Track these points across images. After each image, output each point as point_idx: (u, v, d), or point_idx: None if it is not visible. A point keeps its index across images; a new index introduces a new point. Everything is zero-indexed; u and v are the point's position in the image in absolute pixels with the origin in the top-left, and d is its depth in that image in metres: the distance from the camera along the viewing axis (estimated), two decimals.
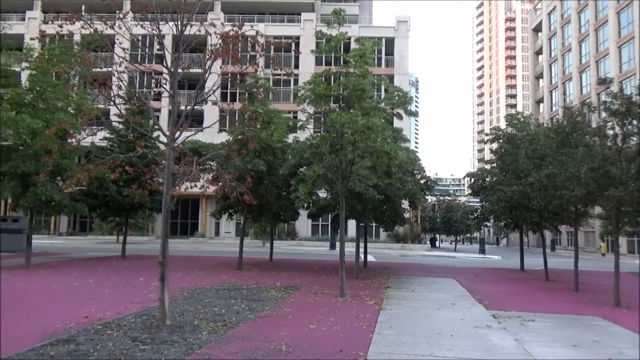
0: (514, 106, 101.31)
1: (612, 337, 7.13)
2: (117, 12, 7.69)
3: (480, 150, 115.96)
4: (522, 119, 17.46)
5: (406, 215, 16.65)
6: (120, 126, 18.26)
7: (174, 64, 7.24)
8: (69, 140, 12.07)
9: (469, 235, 63.88)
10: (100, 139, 17.67)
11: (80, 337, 5.87)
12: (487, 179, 18.55)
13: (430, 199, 44.97)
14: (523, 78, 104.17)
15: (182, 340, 5.81)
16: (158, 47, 25.38)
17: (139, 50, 30.57)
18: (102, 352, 5.24)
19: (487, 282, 14.36)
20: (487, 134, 19.32)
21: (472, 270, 18.32)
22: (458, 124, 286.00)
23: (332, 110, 10.65)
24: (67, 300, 8.80)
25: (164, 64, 7.30)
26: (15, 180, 13.59)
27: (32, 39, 11.39)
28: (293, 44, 39.06)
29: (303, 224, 34.66)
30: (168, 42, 8.40)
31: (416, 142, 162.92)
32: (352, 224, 22.12)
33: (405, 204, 16.77)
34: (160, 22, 7.27)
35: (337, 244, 27.21)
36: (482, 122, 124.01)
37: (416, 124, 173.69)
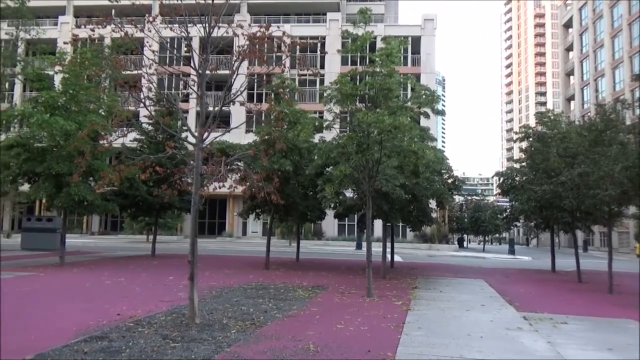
0: (543, 104, 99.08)
1: None
2: (147, 15, 7.83)
3: (509, 149, 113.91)
4: (552, 117, 17.06)
5: (434, 215, 16.47)
6: (150, 127, 18.63)
7: (202, 66, 7.33)
8: (101, 142, 12.38)
9: (497, 235, 62.83)
10: (130, 140, 18.05)
11: (113, 334, 6.00)
12: (516, 178, 18.18)
13: (458, 198, 44.36)
14: (553, 75, 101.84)
15: (211, 339, 5.87)
16: (186, 49, 25.77)
17: (167, 52, 31.12)
18: (134, 349, 5.34)
19: (517, 283, 14.09)
20: (516, 133, 18.97)
21: (502, 271, 18.00)
22: (486, 123, 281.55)
23: (359, 110, 10.61)
24: (99, 297, 9.01)
25: (192, 65, 7.40)
26: (50, 180, 13.98)
27: (65, 43, 11.72)
28: (319, 44, 39.07)
29: (329, 223, 34.68)
30: (195, 44, 8.52)
31: (443, 141, 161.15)
32: (378, 224, 22.03)
33: (432, 203, 16.59)
34: (189, 25, 7.37)
35: (364, 243, 27.11)
36: (510, 121, 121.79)
37: (443, 123, 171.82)
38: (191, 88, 8.35)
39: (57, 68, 15.93)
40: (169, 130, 9.54)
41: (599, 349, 6.22)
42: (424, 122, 14.93)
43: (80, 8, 44.34)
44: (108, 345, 5.46)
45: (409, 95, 14.21)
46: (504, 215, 23.81)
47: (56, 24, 42.84)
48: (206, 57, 7.35)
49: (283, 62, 7.94)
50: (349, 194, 14.42)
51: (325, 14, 42.94)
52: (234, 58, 7.50)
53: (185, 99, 32.72)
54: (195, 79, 7.57)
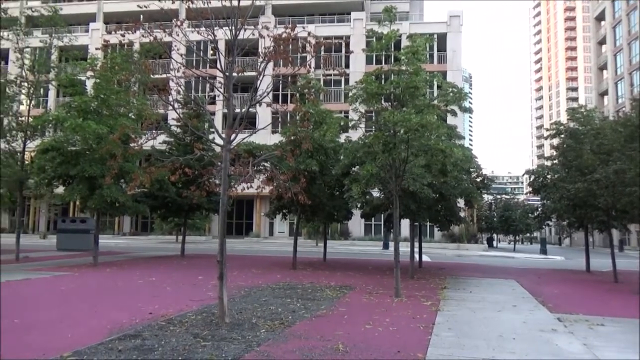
0: (575, 99, 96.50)
1: None
2: (175, 19, 7.96)
3: (540, 147, 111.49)
4: (585, 113, 16.61)
5: (462, 214, 16.23)
6: (178, 130, 18.94)
7: (229, 68, 7.40)
8: (131, 145, 12.65)
9: (528, 235, 61.56)
10: (159, 143, 18.39)
11: (146, 332, 6.12)
12: (548, 176, 17.77)
13: (487, 197, 43.64)
14: (585, 70, 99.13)
15: (241, 338, 5.93)
16: (212, 52, 26.19)
17: (194, 55, 31.59)
18: (166, 347, 5.44)
19: (550, 283, 13.78)
20: (547, 129, 18.52)
21: (533, 271, 17.63)
22: (515, 120, 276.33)
23: (385, 109, 10.55)
24: (132, 297, 9.21)
25: (219, 68, 7.48)
26: (83, 183, 14.35)
27: (97, 49, 12.07)
28: (343, 44, 39.02)
29: (356, 223, 34.58)
30: (221, 46, 8.61)
31: (470, 139, 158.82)
32: (405, 224, 21.86)
33: (460, 202, 16.36)
34: (215, 28, 7.46)
35: (391, 243, 26.94)
36: (540, 117, 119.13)
37: (470, 121, 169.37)
38: (218, 90, 8.45)
39: (89, 73, 16.35)
40: (197, 132, 9.67)
41: (638, 353, 6.02)
42: (451, 120, 14.73)
43: (110, 14, 45.45)
44: (141, 344, 5.57)
45: (435, 93, 14.07)
46: (535, 214, 23.28)
47: (87, 31, 43.95)
48: (233, 59, 7.43)
49: (308, 62, 7.96)
50: (375, 193, 14.35)
51: (350, 14, 42.85)
52: (260, 60, 7.55)
53: (212, 101, 33.15)
54: (222, 81, 7.66)
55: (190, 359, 5.04)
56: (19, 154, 16.87)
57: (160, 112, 19.22)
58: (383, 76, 11.75)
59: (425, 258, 19.32)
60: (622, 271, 15.60)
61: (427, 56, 11.34)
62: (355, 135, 12.78)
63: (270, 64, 7.81)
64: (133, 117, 15.92)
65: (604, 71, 57.28)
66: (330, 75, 38.96)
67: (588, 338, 6.65)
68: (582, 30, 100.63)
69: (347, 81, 37.07)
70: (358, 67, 36.59)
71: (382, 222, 21.12)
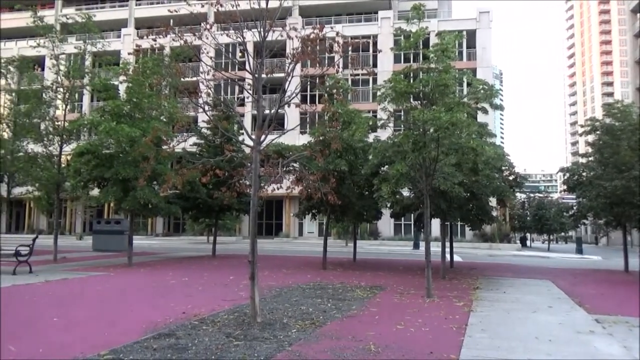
0: (610, 94, 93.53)
1: None
2: (204, 23, 8.06)
3: (574, 143, 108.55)
4: (622, 108, 16.08)
5: (494, 213, 15.93)
6: (208, 132, 19.21)
7: (258, 70, 7.46)
8: (164, 147, 12.90)
9: (563, 234, 59.98)
10: (190, 145, 18.70)
11: (179, 331, 6.22)
12: (583, 174, 17.28)
13: (519, 196, 42.72)
14: (621, 64, 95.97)
15: (272, 337, 5.96)
16: (240, 54, 26.45)
17: (223, 57, 31.99)
18: (199, 346, 5.52)
19: (587, 284, 13.38)
20: (581, 126, 18.01)
21: (569, 272, 17.16)
22: (548, 117, 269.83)
23: (414, 108, 10.45)
24: (165, 296, 9.38)
25: (248, 69, 7.55)
26: (117, 185, 14.70)
27: (129, 53, 12.37)
28: (371, 43, 38.85)
29: (385, 223, 34.40)
30: (250, 48, 8.68)
31: (502, 137, 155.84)
32: (436, 223, 21.62)
33: (493, 201, 16.06)
34: (244, 30, 7.53)
35: (421, 243, 26.64)
36: (574, 113, 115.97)
37: (501, 118, 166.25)
38: (247, 92, 8.52)
39: (122, 78, 16.75)
40: (227, 134, 9.78)
41: None
42: (481, 117, 14.45)
43: (141, 20, 46.48)
44: (175, 342, 5.66)
45: (465, 91, 13.85)
46: (571, 212, 22.68)
47: (119, 36, 45.05)
48: (262, 61, 7.48)
49: (337, 62, 7.95)
50: (405, 193, 14.23)
51: (377, 13, 42.65)
52: (289, 61, 7.58)
53: (241, 103, 33.51)
54: (251, 82, 7.72)
55: (223, 358, 5.09)
56: (55, 157, 17.40)
57: (191, 114, 19.51)
58: (412, 74, 11.65)
59: (456, 258, 19.05)
60: None
61: (457, 53, 11.15)
62: (384, 134, 12.70)
63: (299, 65, 7.82)
64: (164, 120, 16.23)
65: None
66: (358, 74, 38.85)
67: (628, 340, 6.42)
68: (618, 23, 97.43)
69: (375, 80, 36.95)
70: (386, 66, 36.41)
71: (412, 222, 20.92)
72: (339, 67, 8.35)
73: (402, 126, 12.25)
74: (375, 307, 8.41)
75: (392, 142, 11.10)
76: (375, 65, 38.17)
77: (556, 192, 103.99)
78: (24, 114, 18.02)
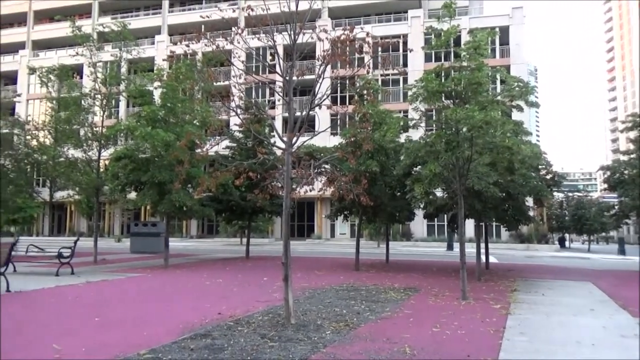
0: None
1: None
2: (236, 27, 8.16)
3: (615, 140, 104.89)
4: None
5: (531, 213, 15.54)
6: (240, 135, 19.44)
7: (289, 72, 7.50)
8: (197, 151, 13.14)
9: (604, 234, 58.01)
10: (222, 148, 18.97)
11: (215, 332, 6.31)
12: (625, 172, 16.67)
13: (557, 195, 41.55)
14: None
15: (307, 339, 5.98)
16: (271, 57, 26.68)
17: (254, 61, 32.34)
18: (235, 347, 5.58)
19: (631, 286, 12.89)
20: (622, 122, 17.40)
21: (611, 273, 16.57)
22: (586, 113, 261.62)
23: (446, 107, 10.31)
24: (201, 297, 9.53)
25: (279, 72, 7.60)
26: (153, 188, 15.04)
27: (163, 60, 12.67)
28: (401, 42, 38.58)
29: (418, 224, 34.07)
30: (280, 51, 8.72)
31: (538, 135, 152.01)
32: (470, 224, 21.23)
33: (529, 201, 15.68)
34: (274, 33, 7.59)
35: (455, 244, 26.24)
36: (614, 109, 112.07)
37: (537, 116, 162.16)
38: (279, 94, 8.59)
39: (156, 84, 17.14)
40: (259, 137, 9.88)
41: None
42: (516, 115, 14.12)
43: (174, 26, 47.51)
44: (211, 343, 5.74)
45: (498, 89, 13.56)
46: (612, 212, 21.90)
47: (153, 43, 46.15)
48: (292, 63, 7.52)
49: (367, 63, 7.92)
50: (438, 193, 14.05)
51: (407, 12, 42.31)
52: (319, 63, 7.60)
53: (272, 106, 33.80)
54: (282, 85, 7.77)
55: (258, 359, 5.14)
56: (94, 162, 17.95)
57: (223, 118, 19.84)
58: (443, 73, 11.50)
59: (492, 259, 18.68)
60: None
61: (489, 51, 10.94)
62: (415, 134, 12.58)
63: (329, 67, 7.83)
64: (197, 124, 16.52)
65: None
66: (389, 75, 38.65)
67: None
68: None
69: (405, 80, 36.63)
70: (416, 66, 36.06)
71: (446, 223, 20.62)
72: (369, 67, 8.33)
73: (434, 126, 12.11)
74: (409, 309, 8.32)
75: (424, 142, 10.97)
76: (405, 64, 37.87)
77: (596, 191, 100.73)
78: (65, 120, 18.68)
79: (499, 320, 7.49)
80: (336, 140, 18.17)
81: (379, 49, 8.04)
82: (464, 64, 10.18)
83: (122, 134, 17.97)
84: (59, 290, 10.31)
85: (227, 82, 9.59)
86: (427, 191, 11.19)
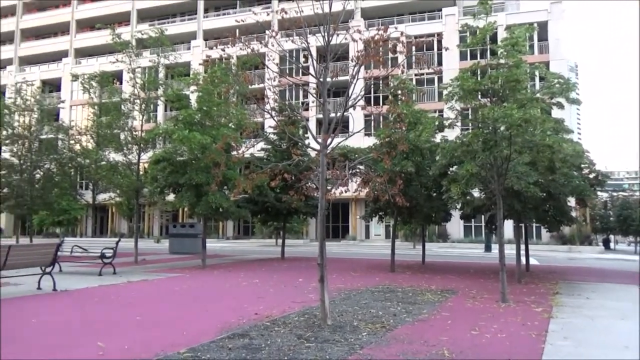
0: None
1: None
2: (270, 30, 8.23)
3: None
4: None
5: (573, 214, 15.04)
6: (274, 137, 19.61)
7: (323, 74, 7.52)
8: (233, 153, 13.32)
9: None
10: (257, 150, 19.19)
11: (252, 332, 6.38)
12: None
13: (601, 195, 40.10)
14: None
15: (343, 340, 5.96)
16: (304, 59, 26.85)
17: (287, 63, 32.62)
18: (272, 347, 5.62)
19: None
20: None
21: None
22: (631, 110, 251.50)
23: (483, 106, 10.11)
24: (238, 297, 9.65)
25: (314, 74, 7.62)
26: (191, 190, 15.34)
27: (200, 64, 12.94)
28: (435, 41, 38.08)
29: (455, 225, 33.53)
30: (313, 53, 8.75)
31: (579, 133, 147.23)
32: (509, 224, 20.71)
33: (571, 201, 15.18)
34: (308, 35, 7.62)
35: (493, 246, 25.69)
36: None
37: (578, 113, 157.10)
38: (313, 96, 8.62)
39: (192, 88, 17.50)
40: (294, 138, 9.95)
41: None
42: (557, 113, 13.72)
43: (209, 31, 48.38)
44: (249, 343, 5.81)
45: (537, 86, 13.21)
46: None
47: (189, 48, 47.11)
48: (326, 65, 7.53)
49: (401, 63, 7.85)
50: (475, 193, 13.79)
51: (441, 10, 41.75)
52: (352, 63, 7.58)
53: (306, 107, 33.98)
54: (315, 87, 7.79)
55: None
56: (134, 165, 18.46)
57: (259, 120, 20.09)
58: (479, 71, 11.29)
59: (532, 261, 18.18)
60: None
61: (527, 47, 10.66)
62: (451, 134, 12.38)
63: (363, 67, 7.80)
64: (233, 126, 16.76)
65: None
66: (423, 74, 38.22)
67: None
68: None
69: (440, 79, 36.15)
70: (451, 64, 35.51)
71: (484, 224, 20.20)
72: (403, 67, 8.25)
73: (470, 125, 11.89)
74: (447, 312, 8.19)
75: (460, 141, 10.78)
76: (440, 63, 37.34)
77: None
78: (106, 125, 19.28)
79: (541, 323, 7.28)
80: (370, 141, 18.09)
81: (413, 48, 7.94)
82: (502, 61, 9.96)
83: (160, 138, 18.41)
84: (102, 289, 10.64)
85: (261, 85, 9.69)
86: (464, 191, 11.00)
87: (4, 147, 24.76)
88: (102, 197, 23.12)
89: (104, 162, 19.63)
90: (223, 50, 8.16)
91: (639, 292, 11.28)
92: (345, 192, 7.69)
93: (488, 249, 27.86)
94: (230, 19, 46.40)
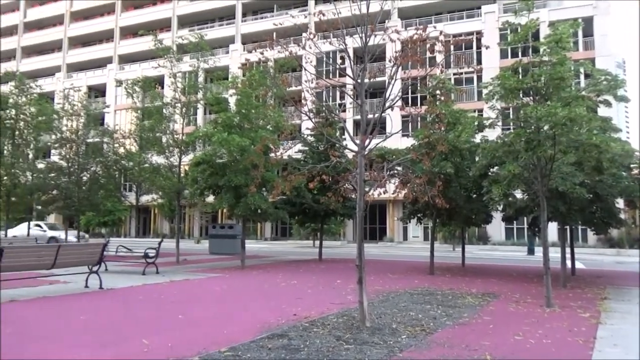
0: None
1: None
2: (308, 32, 8.28)
3: None
4: None
5: (622, 216, 14.43)
6: (312, 138, 19.69)
7: (361, 75, 7.50)
8: (271, 155, 13.46)
9: None
10: (295, 152, 19.32)
11: (291, 332, 6.42)
12: None
13: None
14: None
15: (382, 343, 5.92)
16: (341, 60, 26.90)
17: (324, 65, 32.73)
18: (311, 347, 5.65)
19: None
20: None
21: None
22: None
23: (525, 104, 9.84)
24: (277, 298, 9.74)
25: (351, 75, 7.61)
26: (230, 192, 15.59)
27: (239, 67, 13.17)
28: (474, 40, 37.36)
29: (496, 227, 32.77)
30: (350, 54, 8.74)
31: (627, 132, 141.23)
32: (553, 227, 20.09)
33: (620, 203, 14.56)
34: (345, 36, 7.62)
35: (537, 249, 24.92)
36: None
37: (626, 111, 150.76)
38: (350, 97, 8.61)
39: (231, 91, 17.79)
40: (332, 140, 9.95)
41: None
42: (604, 111, 13.19)
43: (247, 35, 49.05)
44: (288, 343, 5.85)
45: (582, 83, 12.75)
46: None
47: (227, 52, 47.90)
48: (364, 66, 7.51)
49: (440, 62, 7.75)
50: (518, 194, 13.44)
51: (480, 8, 40.93)
52: (390, 64, 7.53)
53: (343, 109, 33.95)
54: (352, 88, 7.78)
55: None
56: (176, 167, 18.92)
57: (297, 122, 20.23)
58: (520, 69, 11.00)
59: (578, 265, 17.56)
60: None
61: (572, 44, 10.32)
62: (491, 134, 12.11)
63: (400, 67, 7.74)
64: (271, 129, 16.93)
65: None
66: (461, 73, 37.58)
67: None
68: None
69: (479, 78, 35.42)
70: (491, 63, 34.73)
71: (526, 226, 19.65)
72: (442, 67, 8.14)
73: (511, 124, 11.60)
74: (488, 316, 8.01)
75: (502, 141, 10.53)
76: (479, 62, 36.59)
77: None
78: (148, 129, 19.87)
79: (589, 329, 7.02)
80: (407, 142, 17.93)
81: (452, 47, 7.83)
82: (545, 58, 9.68)
83: (200, 140, 18.80)
84: (146, 288, 10.96)
85: (298, 87, 9.76)
86: (506, 193, 10.74)
87: (53, 151, 25.92)
88: (145, 198, 23.82)
89: (146, 165, 20.23)
90: (262, 53, 8.27)
91: (639, 293, 10.94)
92: (384, 193, 7.64)
93: (531, 252, 27.05)
94: (268, 23, 46.93)
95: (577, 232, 30.08)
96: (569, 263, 14.74)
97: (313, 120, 8.54)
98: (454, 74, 35.96)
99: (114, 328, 6.83)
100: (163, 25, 52.91)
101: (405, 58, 7.41)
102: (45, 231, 29.38)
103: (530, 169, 9.73)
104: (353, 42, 7.82)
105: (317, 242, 23.98)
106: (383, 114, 7.68)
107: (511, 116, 11.26)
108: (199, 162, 16.07)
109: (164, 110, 19.86)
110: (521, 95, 10.22)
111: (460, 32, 37.67)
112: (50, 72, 58.70)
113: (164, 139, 19.60)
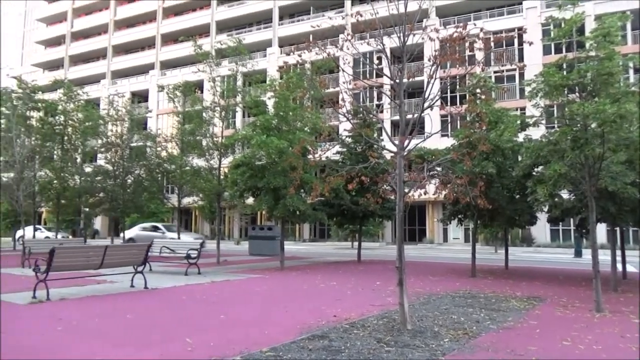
0: None
1: None
2: (345, 33, 8.27)
3: None
4: None
5: None
6: (349, 140, 19.66)
7: (399, 75, 7.43)
8: (309, 157, 13.53)
9: None
10: (332, 154, 19.33)
11: (332, 334, 6.41)
12: None
13: None
14: None
15: (424, 346, 5.84)
16: (377, 61, 26.75)
17: (361, 66, 32.65)
18: (352, 349, 5.62)
19: None
20: None
21: None
22: None
23: (571, 101, 9.50)
24: (316, 299, 9.76)
25: (389, 75, 7.55)
26: (269, 194, 15.75)
27: (277, 70, 13.30)
28: (516, 36, 36.41)
29: (540, 228, 31.77)
30: (388, 54, 8.66)
31: None
32: (602, 228, 19.32)
33: None
34: (383, 36, 7.56)
35: (584, 251, 24.01)
36: None
37: None
38: (389, 97, 8.54)
39: (269, 94, 17.98)
40: (370, 140, 9.91)
41: None
42: None
43: (284, 38, 49.52)
44: (328, 345, 5.84)
45: (631, 79, 12.21)
46: None
47: (265, 55, 48.45)
48: (403, 66, 7.44)
49: (481, 60, 7.58)
50: (564, 195, 12.99)
51: (521, 3, 39.86)
52: (429, 63, 7.43)
53: (381, 110, 33.75)
54: (390, 88, 7.72)
55: None
56: (216, 170, 19.27)
57: (334, 124, 20.27)
58: (565, 65, 10.62)
59: (630, 268, 16.79)
60: None
61: (620, 37, 9.89)
62: (535, 133, 11.76)
63: (439, 66, 7.62)
64: (309, 130, 17.00)
65: None
66: (502, 71, 36.69)
67: None
68: None
69: (521, 76, 34.49)
70: (534, 59, 33.74)
71: (572, 227, 18.96)
72: (483, 64, 7.96)
73: (556, 122, 11.22)
74: (534, 320, 7.77)
75: (547, 140, 10.20)
76: (521, 59, 35.59)
77: None
78: (189, 132, 20.34)
79: None
80: (447, 142, 17.62)
81: (492, 44, 7.66)
82: (591, 53, 9.32)
83: (239, 143, 19.09)
84: (188, 288, 11.20)
85: (336, 89, 9.76)
86: (552, 193, 10.38)
87: (99, 155, 26.89)
88: (186, 200, 24.30)
89: (188, 168, 20.70)
90: (299, 55, 8.32)
91: (639, 293, 10.55)
92: (424, 194, 7.54)
93: (578, 254, 26.06)
94: (305, 25, 47.16)
95: (628, 233, 28.79)
96: (619, 266, 14.12)
97: (351, 121, 8.52)
98: (495, 72, 35.12)
99: (159, 327, 7.01)
100: (202, 30, 54.04)
101: (444, 57, 7.31)
102: (164, 232, 27.88)
103: (577, 169, 9.39)
104: (390, 42, 7.76)
105: (356, 244, 23.88)
106: (422, 114, 7.59)
107: (556, 114, 10.88)
108: (239, 164, 16.31)
109: (204, 114, 20.28)
110: (566, 92, 9.87)
111: (501, 29, 36.74)
112: (95, 79, 60.99)
113: (204, 142, 20.01)
